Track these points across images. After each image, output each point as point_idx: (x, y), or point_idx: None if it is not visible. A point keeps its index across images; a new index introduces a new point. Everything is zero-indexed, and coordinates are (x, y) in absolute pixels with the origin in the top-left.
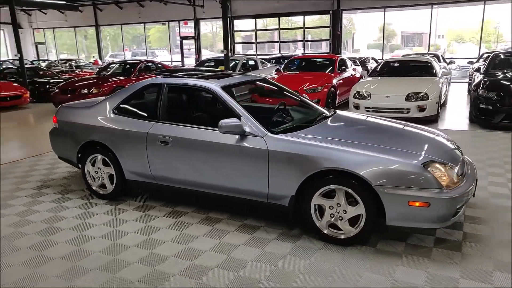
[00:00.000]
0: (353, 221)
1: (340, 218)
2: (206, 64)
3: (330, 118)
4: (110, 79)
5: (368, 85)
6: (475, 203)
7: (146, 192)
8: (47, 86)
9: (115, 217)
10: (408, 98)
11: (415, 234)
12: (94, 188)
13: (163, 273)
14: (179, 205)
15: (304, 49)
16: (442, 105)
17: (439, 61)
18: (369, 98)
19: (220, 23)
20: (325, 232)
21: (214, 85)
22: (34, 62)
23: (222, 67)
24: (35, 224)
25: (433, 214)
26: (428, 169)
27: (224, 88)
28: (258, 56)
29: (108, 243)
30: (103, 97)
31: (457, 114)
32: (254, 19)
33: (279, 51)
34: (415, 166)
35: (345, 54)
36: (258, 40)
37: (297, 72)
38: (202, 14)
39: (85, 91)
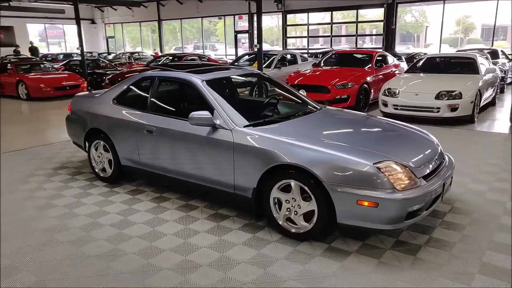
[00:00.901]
0: (309, 216)
1: (296, 213)
2: (244, 59)
3: (312, 113)
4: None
5: (400, 82)
6: (461, 208)
7: (141, 178)
8: (103, 77)
9: (106, 199)
10: (438, 97)
11: (378, 235)
12: (96, 171)
13: (155, 266)
14: (165, 191)
15: (356, 44)
16: (490, 105)
17: (496, 57)
18: (397, 96)
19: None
20: (281, 223)
21: (196, 79)
22: (101, 55)
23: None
24: (36, 199)
25: (382, 215)
26: (380, 169)
27: (208, 82)
28: (312, 51)
29: (88, 220)
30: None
31: (503, 115)
32: (306, 13)
33: (331, 45)
34: (367, 166)
35: (411, 49)
36: (311, 35)
37: (333, 67)
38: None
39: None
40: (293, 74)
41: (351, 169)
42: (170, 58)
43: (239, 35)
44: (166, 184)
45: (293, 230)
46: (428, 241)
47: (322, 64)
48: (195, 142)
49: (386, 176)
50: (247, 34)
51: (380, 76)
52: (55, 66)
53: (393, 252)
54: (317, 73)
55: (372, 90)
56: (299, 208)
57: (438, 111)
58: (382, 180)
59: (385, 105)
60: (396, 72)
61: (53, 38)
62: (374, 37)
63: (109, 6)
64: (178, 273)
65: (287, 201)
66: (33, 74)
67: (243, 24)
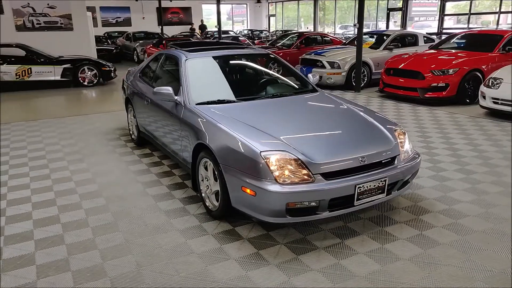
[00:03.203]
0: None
1: (211, 191)
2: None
3: (286, 97)
4: (271, 50)
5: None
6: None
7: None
8: None
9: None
10: None
11: (298, 229)
12: (130, 133)
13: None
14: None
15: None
16: None
17: None
18: (497, 87)
19: None
20: (203, 196)
21: (182, 57)
22: (254, 32)
23: (371, 41)
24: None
25: (261, 205)
26: (266, 158)
27: (191, 60)
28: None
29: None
30: None
31: None
32: None
33: (468, 24)
34: (254, 153)
35: None
36: (446, 13)
37: (451, 50)
38: None
39: None
40: (392, 57)
41: (241, 154)
42: (294, 36)
43: (392, 13)
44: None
45: (210, 207)
46: (313, 244)
47: (440, 46)
48: (165, 115)
49: (268, 166)
50: (400, 12)
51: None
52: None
53: (285, 246)
54: (421, 57)
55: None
56: (211, 186)
57: None
58: (263, 169)
59: (484, 97)
60: None
61: (238, 16)
62: None
63: None
64: None
65: (206, 179)
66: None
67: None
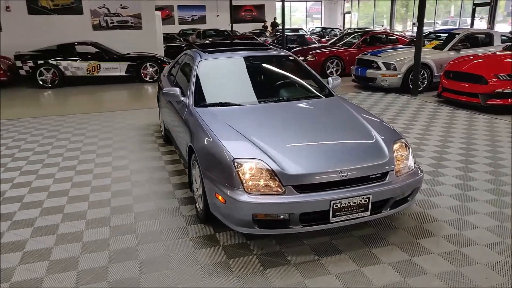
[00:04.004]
0: None
1: (198, 194)
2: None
3: (299, 101)
4: (329, 49)
5: None
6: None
7: None
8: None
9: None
10: None
11: (279, 241)
12: (161, 130)
13: None
14: None
15: None
16: None
17: None
18: None
19: None
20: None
21: (197, 58)
22: (326, 30)
23: (435, 42)
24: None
25: (229, 214)
26: (237, 166)
27: (204, 62)
28: None
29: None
30: None
31: None
32: None
33: None
34: (227, 159)
35: None
36: None
37: None
38: None
39: (300, 58)
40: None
41: (217, 159)
42: (358, 34)
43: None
44: None
45: (198, 210)
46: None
47: None
48: (176, 115)
49: (239, 174)
50: (488, 6)
51: None
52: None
53: (261, 257)
54: (488, 59)
55: None
56: (199, 189)
57: None
58: (235, 177)
59: None
60: None
61: (316, 14)
62: None
63: None
64: None
65: (195, 181)
66: None
67: None
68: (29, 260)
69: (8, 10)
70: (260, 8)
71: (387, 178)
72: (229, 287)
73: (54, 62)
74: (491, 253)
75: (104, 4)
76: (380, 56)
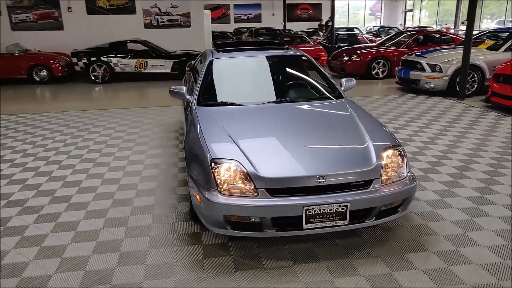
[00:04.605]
0: None
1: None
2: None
3: (302, 102)
4: (375, 49)
5: None
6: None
7: None
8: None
9: None
10: None
11: (261, 244)
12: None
13: None
14: None
15: None
16: None
17: None
18: None
19: None
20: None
21: (210, 57)
22: (382, 29)
23: (489, 42)
24: None
25: (204, 213)
26: (214, 166)
27: (215, 61)
28: None
29: None
30: None
31: None
32: None
33: None
34: (206, 159)
35: None
36: None
37: None
38: None
39: (345, 57)
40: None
41: (198, 158)
42: (409, 34)
43: None
44: None
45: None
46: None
47: None
48: (184, 113)
49: (214, 175)
50: None
51: None
52: (318, 39)
53: (236, 259)
54: None
55: None
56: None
57: None
58: (210, 178)
59: None
60: None
61: (377, 12)
62: None
63: None
64: None
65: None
66: None
67: None
68: (23, 245)
69: (69, 10)
70: (317, 6)
71: (371, 187)
72: (190, 287)
73: (105, 59)
74: (483, 274)
75: (155, 4)
76: (426, 57)
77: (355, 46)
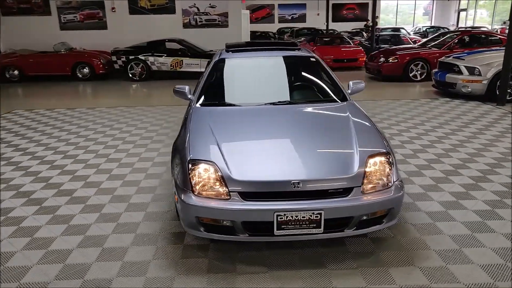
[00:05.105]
0: None
1: None
2: None
3: (302, 104)
4: (415, 50)
5: None
6: None
7: None
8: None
9: None
10: None
11: (242, 247)
12: None
13: None
14: None
15: None
16: None
17: None
18: None
19: None
20: None
21: (217, 56)
22: (432, 29)
23: None
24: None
25: (181, 215)
26: (191, 167)
27: (222, 60)
28: None
29: None
30: None
31: None
32: None
33: None
34: (185, 159)
35: None
36: None
37: None
38: None
39: (382, 59)
40: None
41: (179, 158)
42: (454, 35)
43: None
44: None
45: None
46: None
47: None
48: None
49: (189, 175)
50: None
51: None
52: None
53: (205, 261)
54: None
55: None
56: None
57: None
58: (186, 178)
59: None
60: None
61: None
62: None
63: None
64: None
65: None
66: (322, 45)
67: None
68: (17, 235)
69: (113, 10)
70: (363, 6)
71: (350, 195)
72: (155, 287)
73: (142, 58)
74: None
75: (194, 4)
76: (464, 59)
77: (394, 47)
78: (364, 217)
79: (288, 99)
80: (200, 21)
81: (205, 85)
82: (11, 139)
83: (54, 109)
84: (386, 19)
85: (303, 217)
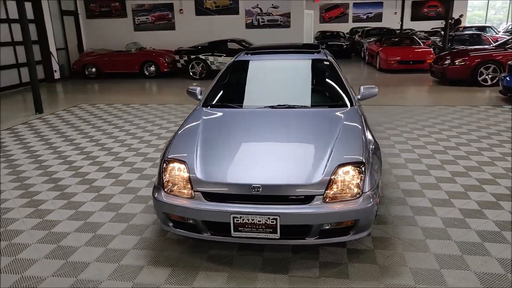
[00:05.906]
0: None
1: None
2: None
3: (303, 109)
4: (487, 51)
5: None
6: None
7: None
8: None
9: None
10: None
11: (216, 249)
12: None
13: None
14: None
15: None
16: None
17: None
18: None
19: None
20: None
21: (234, 58)
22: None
23: None
24: None
25: (155, 210)
26: (166, 165)
27: (240, 62)
28: None
29: None
30: None
31: None
32: None
33: None
34: (163, 158)
35: None
36: None
37: None
38: None
39: (447, 61)
40: None
41: (161, 156)
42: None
43: None
44: None
45: None
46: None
47: None
48: None
49: (163, 172)
50: None
51: None
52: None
53: (176, 254)
54: None
55: None
56: None
57: None
58: (161, 176)
59: None
60: None
61: None
62: None
63: None
64: None
65: None
66: (389, 46)
67: None
68: (32, 216)
69: (181, 12)
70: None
71: (311, 203)
72: (121, 274)
73: (203, 57)
74: None
75: (257, 4)
76: None
77: (467, 48)
78: (327, 227)
79: (289, 103)
80: (262, 22)
81: (215, 86)
82: (65, 130)
83: (113, 104)
84: (483, 16)
85: (259, 221)
